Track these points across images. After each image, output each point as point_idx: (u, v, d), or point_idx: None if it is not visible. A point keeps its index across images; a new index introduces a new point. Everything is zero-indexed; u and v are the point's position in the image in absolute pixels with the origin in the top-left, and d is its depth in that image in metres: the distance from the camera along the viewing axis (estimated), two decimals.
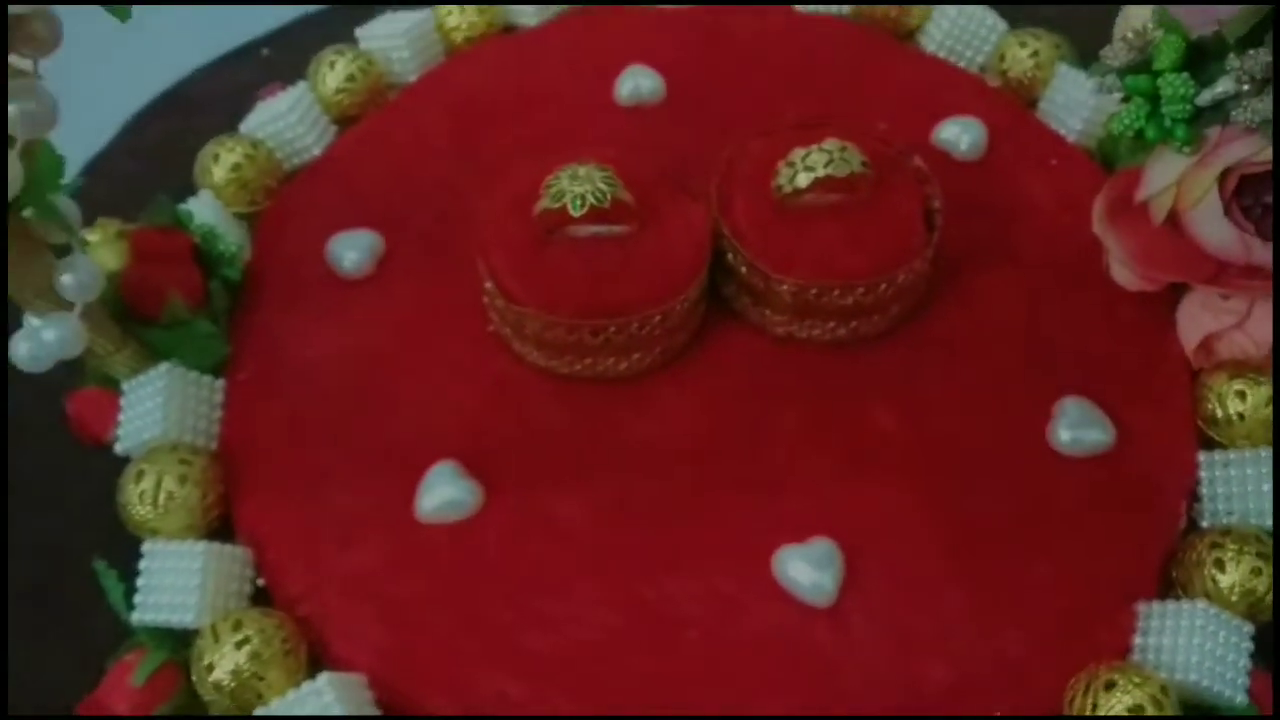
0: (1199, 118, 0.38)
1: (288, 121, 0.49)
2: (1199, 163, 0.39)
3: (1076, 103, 0.50)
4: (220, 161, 0.48)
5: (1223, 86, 0.37)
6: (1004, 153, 0.49)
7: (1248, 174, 0.38)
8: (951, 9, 0.52)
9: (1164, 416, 0.42)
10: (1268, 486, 0.39)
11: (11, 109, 0.31)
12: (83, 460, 0.47)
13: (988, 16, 0.52)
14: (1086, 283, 0.44)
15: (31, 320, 0.39)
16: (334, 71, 0.51)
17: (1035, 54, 0.51)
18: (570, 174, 0.40)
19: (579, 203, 0.39)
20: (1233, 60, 0.37)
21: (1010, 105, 0.51)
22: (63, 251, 0.38)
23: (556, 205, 0.40)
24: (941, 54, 0.53)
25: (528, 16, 0.55)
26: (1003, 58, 0.52)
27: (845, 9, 0.54)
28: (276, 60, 0.59)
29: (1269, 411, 0.40)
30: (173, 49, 0.59)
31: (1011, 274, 0.45)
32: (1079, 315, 0.44)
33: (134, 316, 0.42)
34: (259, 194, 0.48)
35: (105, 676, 0.38)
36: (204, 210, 0.46)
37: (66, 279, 0.38)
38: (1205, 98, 0.38)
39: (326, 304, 0.44)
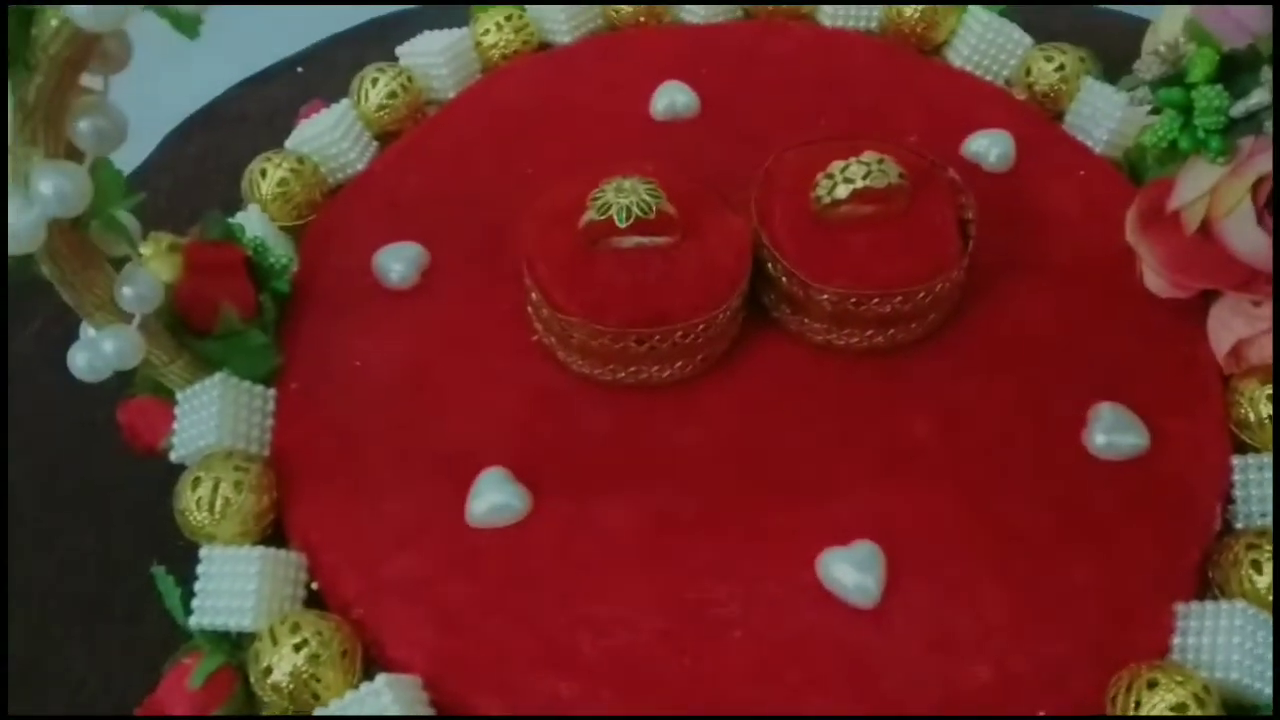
0: (1232, 129, 0.39)
1: (332, 137, 0.50)
2: (1232, 173, 0.39)
3: (1103, 115, 0.51)
4: (268, 176, 0.48)
5: (1257, 98, 0.38)
6: (1032, 164, 0.50)
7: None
8: (977, 25, 0.53)
9: (1197, 421, 0.42)
10: None
11: (83, 125, 0.32)
12: (129, 470, 0.48)
13: (1014, 31, 0.53)
14: (1117, 291, 0.45)
15: (90, 331, 0.40)
16: (376, 88, 0.52)
17: (1061, 67, 0.52)
18: (615, 187, 0.41)
19: (624, 214, 0.40)
20: (1266, 72, 0.37)
21: (1037, 118, 0.52)
22: (122, 264, 0.39)
23: (602, 217, 0.40)
24: (968, 68, 0.54)
25: (562, 35, 0.55)
26: (1029, 71, 0.53)
27: (874, 24, 0.55)
28: (310, 78, 0.60)
29: None
30: (208, 67, 0.60)
31: (1043, 282, 0.46)
32: (1111, 322, 0.44)
33: (188, 328, 0.43)
34: (304, 208, 0.49)
35: (162, 679, 0.39)
36: (252, 224, 0.46)
37: (127, 291, 0.39)
38: (1239, 109, 0.38)
39: (374, 315, 0.45)
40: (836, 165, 0.42)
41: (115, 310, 0.39)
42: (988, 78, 0.54)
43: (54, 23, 0.28)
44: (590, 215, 0.41)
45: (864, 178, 0.41)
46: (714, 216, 0.43)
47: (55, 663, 0.45)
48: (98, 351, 0.39)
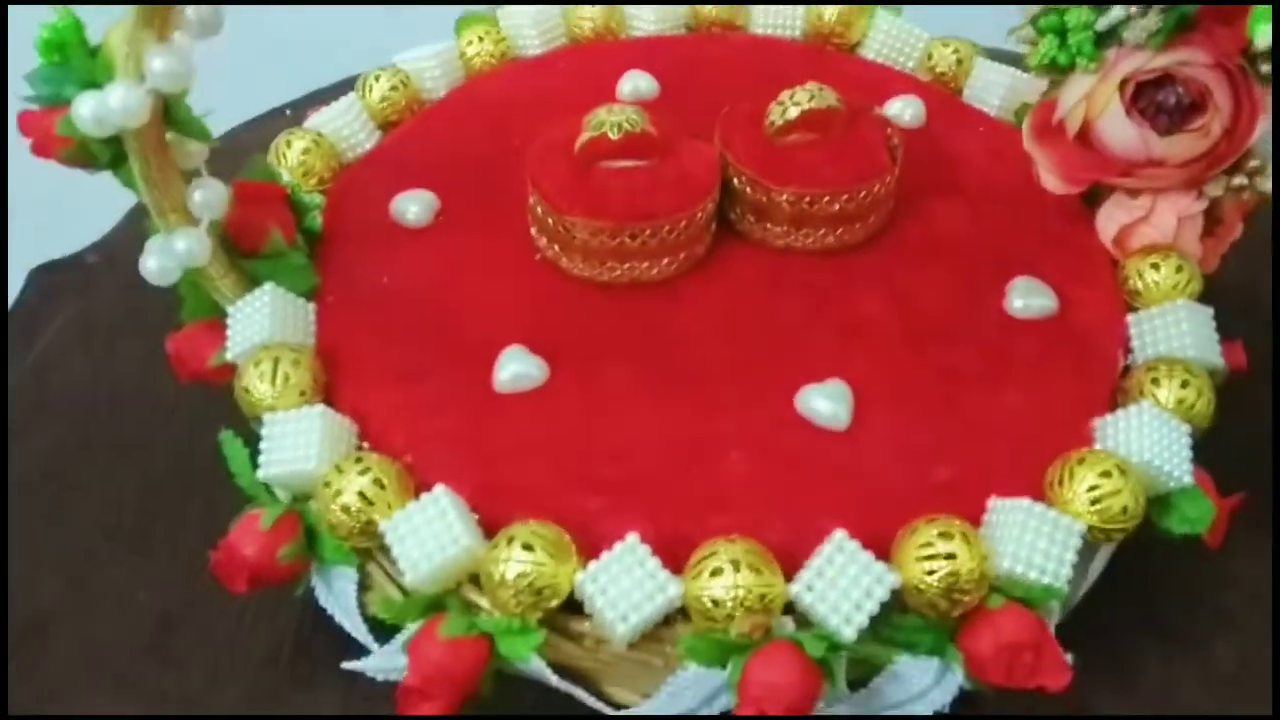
0: (1099, 41, 0.48)
1: (344, 120, 0.57)
2: (1101, 78, 0.48)
3: (995, 85, 0.60)
4: (292, 147, 0.55)
5: (1115, 12, 0.47)
6: (940, 124, 0.58)
7: (1142, 81, 0.47)
8: (884, 24, 0.63)
9: (1096, 290, 0.50)
10: (1186, 327, 0.47)
11: (189, 11, 0.38)
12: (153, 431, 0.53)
13: (914, 28, 0.63)
14: (1021, 201, 0.53)
15: (157, 241, 0.46)
16: (378, 85, 0.59)
17: (956, 51, 0.61)
18: (606, 110, 0.48)
19: (616, 129, 0.47)
20: None
21: (941, 91, 0.61)
22: (191, 177, 0.45)
23: (598, 133, 0.47)
24: (880, 60, 0.63)
25: (534, 47, 0.64)
26: (930, 57, 0.62)
27: (798, 31, 0.64)
28: (297, 119, 0.67)
29: (1178, 276, 0.49)
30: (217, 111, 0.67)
31: (960, 200, 0.54)
32: (1018, 223, 0.52)
33: (239, 250, 0.48)
34: (324, 177, 0.55)
35: (233, 528, 0.43)
36: (283, 177, 0.53)
37: (198, 195, 0.44)
38: (1103, 23, 0.47)
39: (395, 247, 0.51)
40: (785, 93, 0.50)
41: (186, 214, 0.44)
42: (896, 68, 0.63)
43: None
44: (587, 134, 0.48)
45: (809, 101, 0.49)
46: (686, 144, 0.50)
47: (102, 580, 0.49)
48: (169, 252, 0.45)
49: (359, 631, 0.45)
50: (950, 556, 0.39)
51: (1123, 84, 0.48)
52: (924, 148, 0.56)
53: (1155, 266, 0.49)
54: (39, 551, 0.51)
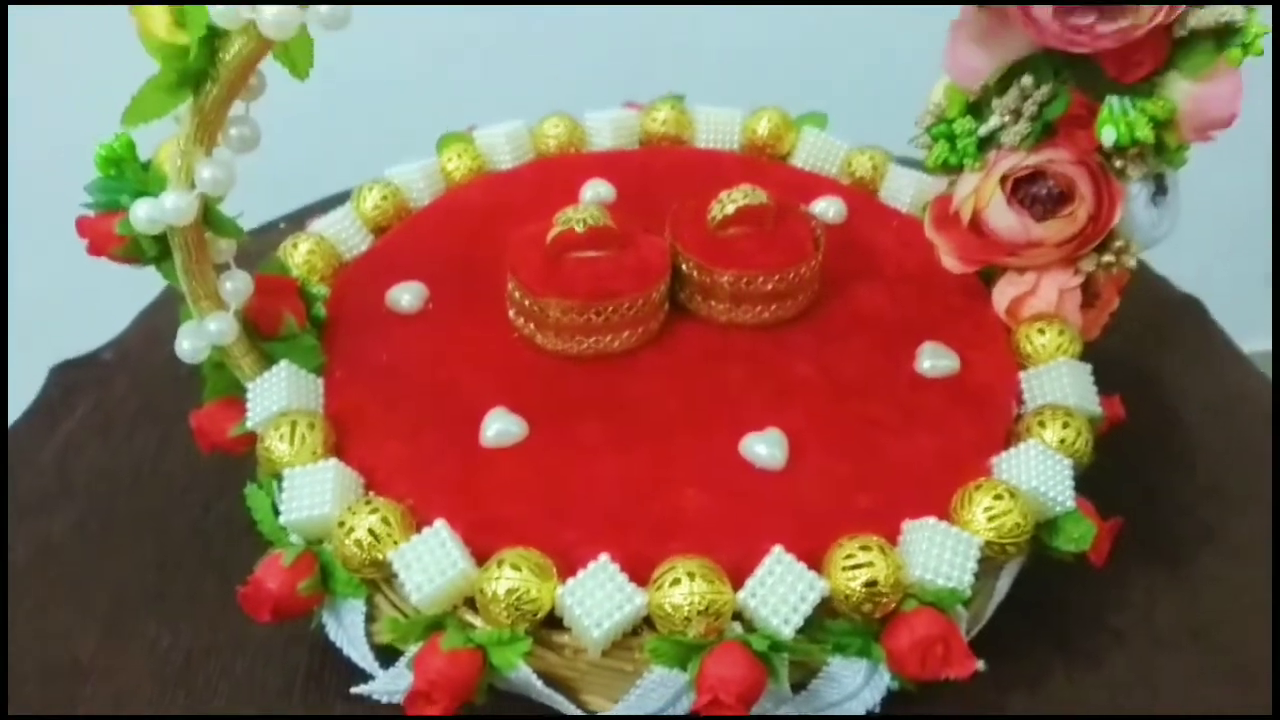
0: (981, 145, 0.58)
1: (342, 225, 0.66)
2: (985, 175, 0.58)
3: (905, 186, 0.70)
4: (298, 248, 0.63)
5: (993, 121, 0.57)
6: (859, 219, 0.68)
7: (1018, 176, 0.57)
8: (810, 137, 0.73)
9: (992, 353, 0.59)
10: (1067, 380, 0.56)
11: (233, 131, 0.47)
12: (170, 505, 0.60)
13: (835, 140, 0.73)
14: (928, 281, 0.62)
15: (189, 326, 0.53)
16: (371, 195, 0.68)
17: (872, 159, 0.71)
18: (573, 209, 0.57)
19: (582, 224, 0.56)
20: (996, 104, 0.56)
21: (860, 192, 0.70)
22: (221, 270, 0.53)
23: (566, 228, 0.56)
24: (807, 167, 0.73)
25: (505, 162, 0.73)
26: (850, 164, 0.72)
27: (736, 144, 0.74)
28: (290, 230, 0.76)
29: (1061, 339, 0.58)
30: None
31: (877, 281, 0.63)
32: (926, 299, 0.61)
33: (259, 334, 0.56)
34: (326, 273, 0.63)
35: (259, 567, 0.50)
36: (293, 272, 0.61)
37: (228, 285, 0.52)
38: (983, 130, 0.57)
39: (391, 330, 0.59)
40: (724, 193, 0.59)
41: (217, 301, 0.52)
42: (820, 174, 0.72)
43: (237, 45, 0.44)
44: (556, 229, 0.57)
45: (744, 199, 0.59)
46: (641, 236, 0.59)
47: (131, 631, 0.56)
48: (202, 334, 0.53)
49: (366, 660, 0.51)
50: (870, 565, 0.46)
51: (1003, 179, 0.57)
52: (846, 239, 0.65)
53: (1041, 332, 0.58)
54: (75, 608, 0.58)
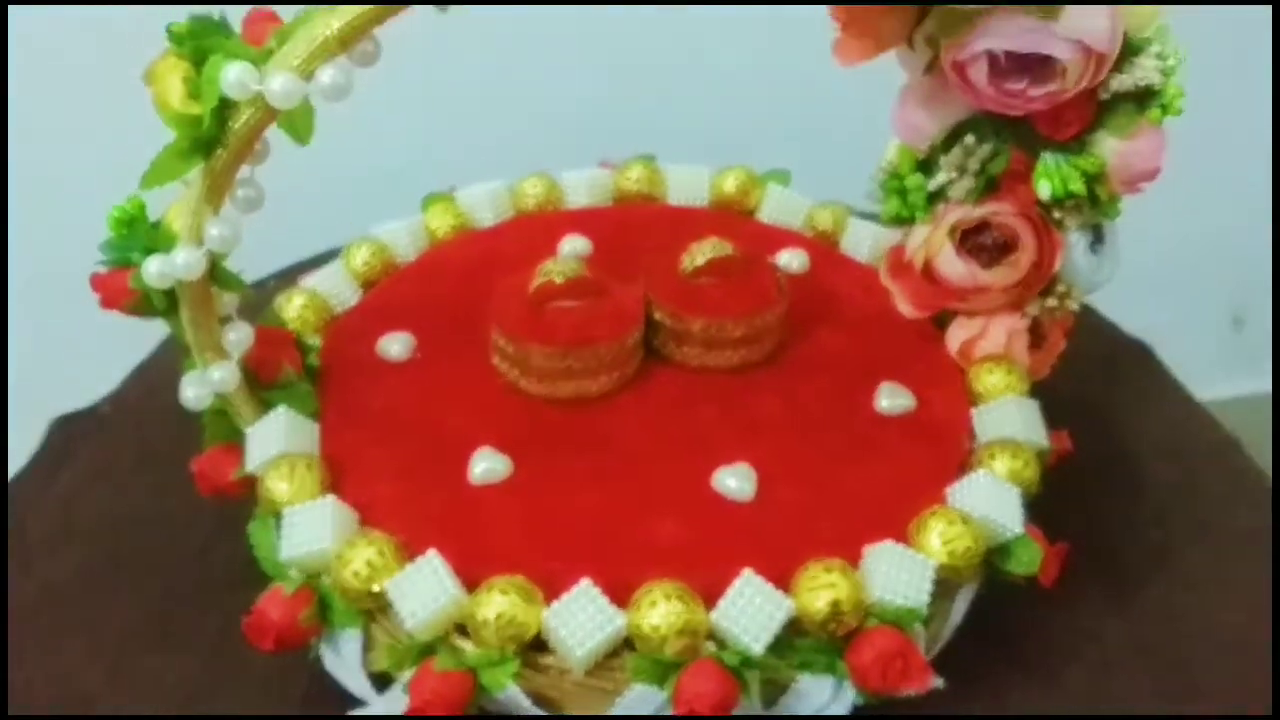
0: (931, 199, 0.62)
1: (333, 280, 0.69)
2: (935, 227, 0.62)
3: (864, 238, 0.74)
4: (292, 301, 0.67)
5: (940, 178, 0.62)
6: (821, 269, 0.72)
7: (966, 228, 0.62)
8: (775, 193, 0.77)
9: (946, 391, 0.63)
10: (1015, 416, 0.60)
11: (240, 192, 0.51)
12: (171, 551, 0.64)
13: (798, 196, 0.77)
14: (886, 326, 0.66)
15: (191, 377, 0.57)
16: (359, 252, 0.72)
17: (833, 213, 0.76)
18: (553, 263, 0.61)
19: (561, 275, 0.60)
20: (943, 161, 0.61)
21: (821, 244, 0.75)
22: (225, 321, 0.57)
23: (546, 279, 0.60)
24: (772, 221, 0.77)
25: (487, 220, 0.77)
26: (812, 218, 0.77)
27: (705, 201, 0.79)
28: (280, 288, 0.79)
29: (1009, 378, 0.62)
30: None
31: (838, 326, 0.67)
32: (884, 343, 0.65)
33: (258, 382, 0.60)
34: (318, 326, 0.67)
35: (262, 599, 0.53)
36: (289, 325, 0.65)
37: (231, 335, 0.56)
38: (932, 185, 0.62)
39: (382, 377, 0.63)
40: (694, 245, 0.63)
41: (220, 351, 0.56)
42: (785, 228, 0.77)
43: (246, 114, 0.48)
44: (538, 280, 0.61)
45: (712, 251, 0.63)
46: (617, 286, 0.63)
47: (135, 667, 0.59)
48: (206, 382, 0.56)
49: (362, 688, 0.55)
50: (833, 586, 0.50)
51: (952, 230, 0.62)
52: (809, 288, 0.70)
53: (991, 371, 0.63)
54: (80, 646, 0.61)
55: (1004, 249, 0.61)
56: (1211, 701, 0.58)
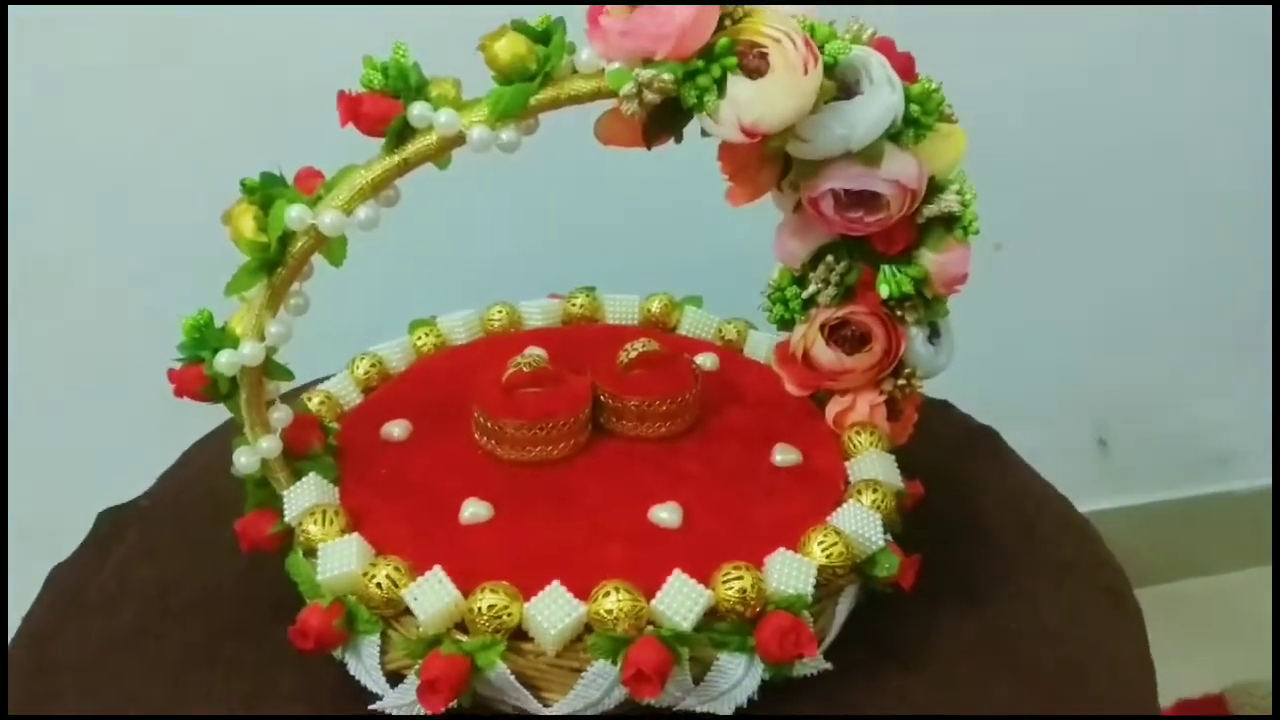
0: (805, 305, 0.80)
1: (342, 386, 0.85)
2: (809, 324, 0.80)
3: (760, 345, 0.92)
4: (312, 401, 0.82)
5: (811, 289, 0.80)
6: (728, 367, 0.90)
7: (831, 324, 0.80)
8: (691, 313, 0.95)
9: (825, 450, 0.79)
10: (876, 465, 0.77)
11: (293, 300, 0.67)
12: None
13: (710, 316, 0.95)
14: (778, 405, 0.83)
15: (242, 448, 0.72)
16: (361, 363, 0.88)
17: (737, 328, 0.94)
18: (520, 357, 0.78)
19: (529, 366, 0.77)
20: (812, 276, 0.79)
21: (728, 350, 0.93)
22: (271, 404, 0.72)
23: (516, 369, 0.77)
24: (689, 334, 0.95)
25: (461, 338, 0.94)
26: (720, 330, 0.94)
27: (635, 319, 0.96)
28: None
29: (872, 439, 0.79)
30: None
31: (741, 406, 0.84)
32: (776, 417, 0.82)
33: (292, 454, 0.75)
34: (334, 418, 0.83)
35: (303, 612, 0.67)
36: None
37: (276, 415, 0.71)
38: (806, 294, 0.80)
39: (386, 452, 0.78)
40: (628, 344, 0.81)
41: (266, 427, 0.71)
42: (700, 339, 0.95)
43: (301, 241, 0.64)
44: (509, 371, 0.77)
45: (642, 348, 0.80)
46: (570, 377, 0.80)
47: (191, 689, 0.72)
48: (255, 450, 0.71)
49: (379, 684, 0.68)
50: (740, 578, 0.65)
51: (822, 327, 0.79)
52: (719, 380, 0.87)
53: (859, 434, 0.80)
54: (140, 675, 0.73)
55: (861, 340, 0.79)
56: (1039, 678, 0.73)
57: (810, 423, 0.82)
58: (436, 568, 0.65)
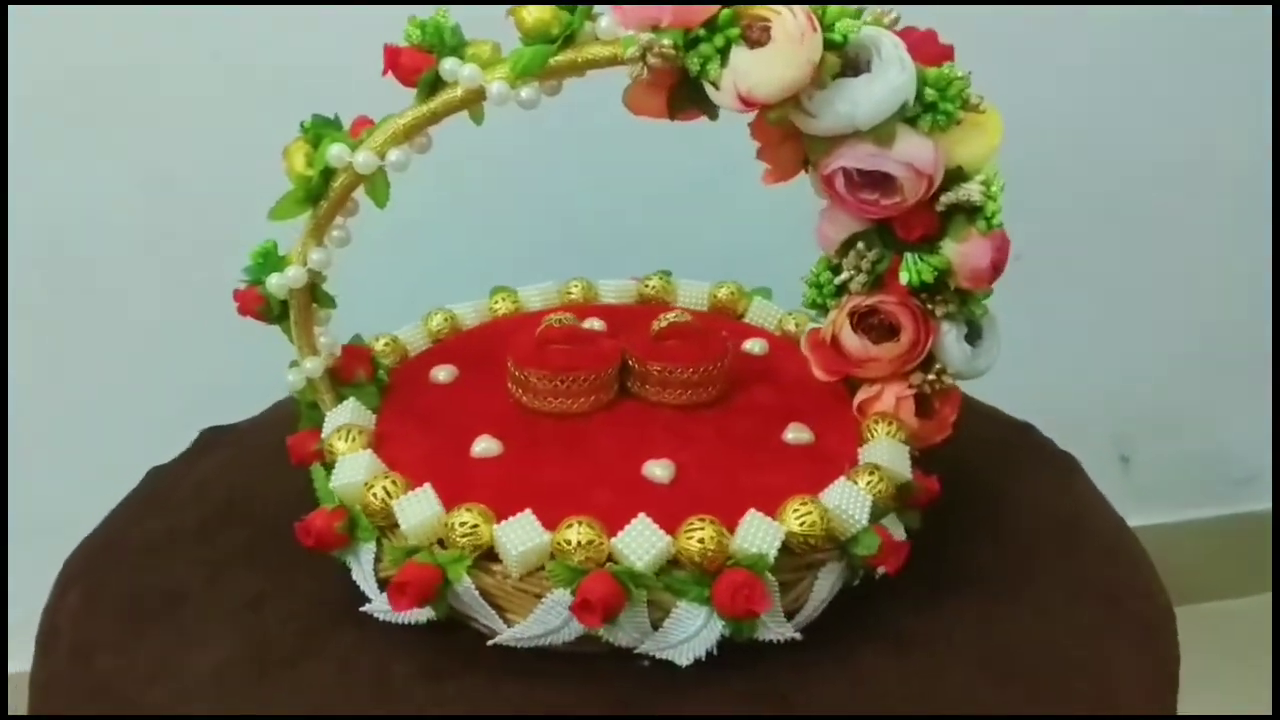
0: (838, 292, 0.82)
1: (413, 333, 0.92)
2: (839, 310, 0.81)
3: None
4: (380, 340, 0.90)
5: (843, 275, 0.81)
6: (776, 354, 0.91)
7: (860, 311, 0.80)
8: (757, 303, 0.97)
9: (842, 434, 0.80)
10: (886, 451, 0.77)
11: (335, 232, 0.74)
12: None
13: (773, 306, 0.97)
14: (809, 389, 0.84)
15: (293, 368, 0.80)
16: (436, 317, 0.94)
17: (797, 320, 0.95)
18: (555, 316, 0.83)
19: (559, 323, 0.82)
20: (844, 262, 0.80)
21: (783, 340, 0.94)
22: (320, 330, 0.80)
23: (547, 325, 0.82)
24: (753, 321, 0.97)
25: (536, 307, 0.99)
26: (781, 322, 0.96)
27: (705, 305, 0.99)
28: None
29: (890, 429, 0.79)
30: None
31: (773, 387, 0.85)
32: (804, 399, 0.84)
33: (339, 380, 0.82)
34: (396, 360, 0.90)
35: (314, 515, 0.74)
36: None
37: (323, 340, 0.79)
38: (838, 280, 0.81)
39: (428, 392, 0.84)
40: (662, 314, 0.84)
41: (314, 350, 0.79)
42: (763, 326, 0.97)
43: (341, 177, 0.72)
44: (542, 327, 0.82)
45: (673, 318, 0.83)
46: (600, 340, 0.84)
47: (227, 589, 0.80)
48: (301, 370, 0.79)
49: (372, 590, 0.74)
50: (701, 529, 0.67)
51: (850, 313, 0.80)
52: (763, 365, 0.89)
53: (878, 423, 0.79)
54: (190, 564, 0.82)
55: (890, 330, 0.79)
56: (1016, 686, 0.72)
57: (837, 408, 0.82)
58: (426, 485, 0.70)
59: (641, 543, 0.67)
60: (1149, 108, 1.32)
